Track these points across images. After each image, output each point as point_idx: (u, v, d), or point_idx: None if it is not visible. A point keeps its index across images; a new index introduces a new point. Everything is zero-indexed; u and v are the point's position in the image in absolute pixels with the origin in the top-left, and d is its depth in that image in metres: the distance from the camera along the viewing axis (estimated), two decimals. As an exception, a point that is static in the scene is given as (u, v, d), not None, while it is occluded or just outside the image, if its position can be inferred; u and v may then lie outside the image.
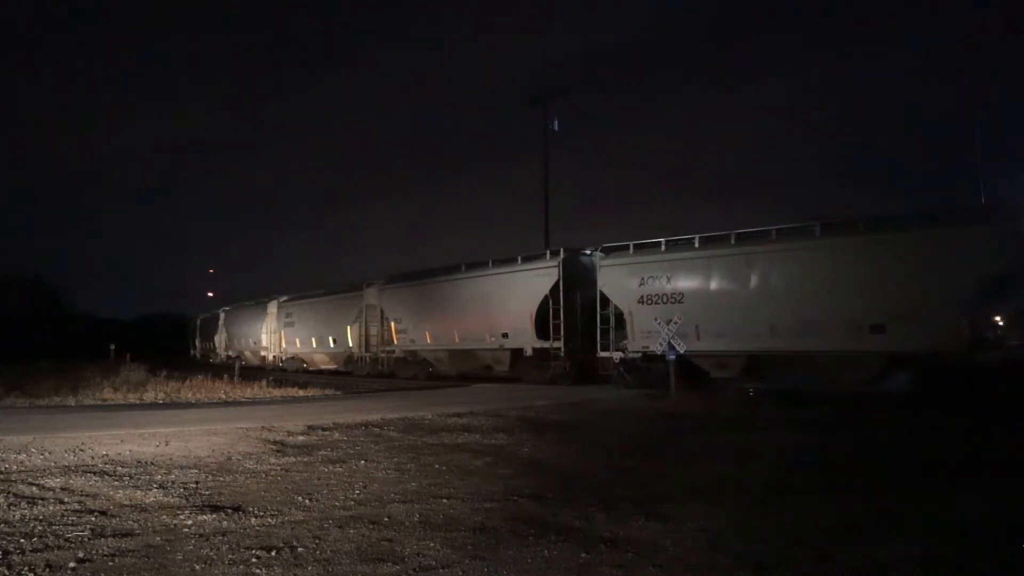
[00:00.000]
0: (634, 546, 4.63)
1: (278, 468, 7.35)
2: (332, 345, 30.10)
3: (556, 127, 34.06)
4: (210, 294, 63.03)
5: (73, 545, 4.64)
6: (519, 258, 21.14)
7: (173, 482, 6.61)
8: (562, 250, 19.67)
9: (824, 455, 8.15)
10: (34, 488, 6.30)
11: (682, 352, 14.28)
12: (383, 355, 26.54)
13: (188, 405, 14.92)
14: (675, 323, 14.29)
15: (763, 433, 9.68)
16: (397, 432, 10.08)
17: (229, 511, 5.50)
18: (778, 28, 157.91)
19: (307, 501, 5.88)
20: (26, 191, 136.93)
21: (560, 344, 19.05)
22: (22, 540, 4.73)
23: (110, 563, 4.30)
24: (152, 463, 7.57)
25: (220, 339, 43.09)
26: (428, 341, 24.04)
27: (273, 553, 4.47)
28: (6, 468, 7.16)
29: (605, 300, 18.02)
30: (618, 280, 17.70)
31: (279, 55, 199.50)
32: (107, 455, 7.99)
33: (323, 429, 10.26)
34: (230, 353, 40.65)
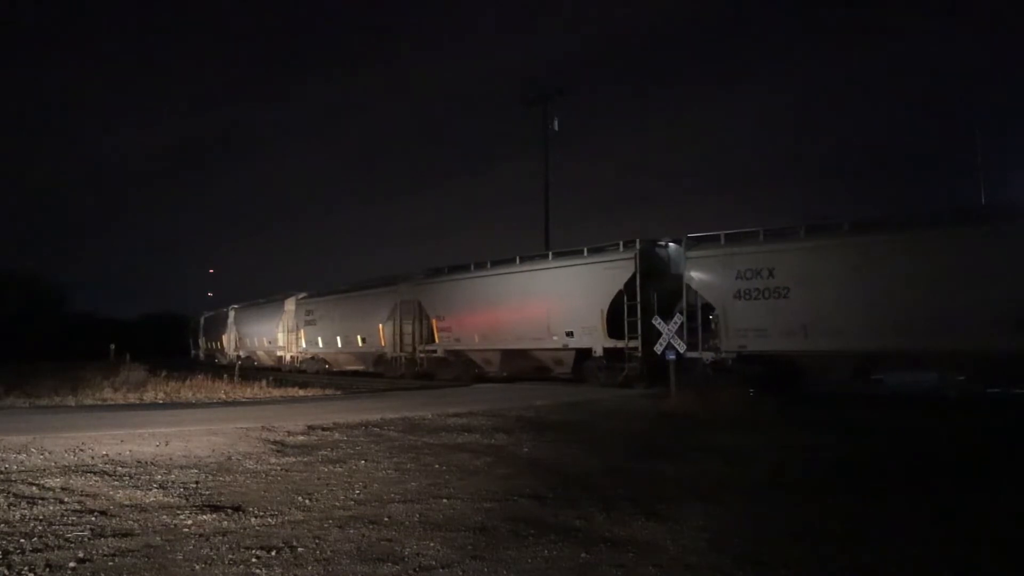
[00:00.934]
0: (634, 546, 4.64)
1: (278, 468, 7.35)
2: (360, 344, 27.75)
3: (556, 127, 34.06)
4: (210, 294, 63.06)
5: (73, 545, 4.64)
6: (585, 249, 19.35)
7: (173, 482, 6.61)
8: (637, 241, 17.94)
9: (825, 455, 8.15)
10: (34, 488, 6.30)
11: (682, 352, 14.23)
12: (422, 355, 24.45)
13: (188, 405, 14.91)
14: (675, 323, 14.26)
15: (764, 433, 9.67)
16: (397, 432, 10.08)
17: (229, 511, 5.50)
18: (779, 27, 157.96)
19: (307, 501, 5.88)
20: (26, 191, 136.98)
21: (637, 343, 17.24)
22: (22, 540, 4.73)
23: (110, 563, 4.30)
24: (152, 463, 7.57)
25: (229, 338, 40.86)
26: (476, 340, 22.08)
27: (273, 553, 4.47)
28: (6, 468, 7.16)
29: (692, 295, 16.40)
30: (709, 273, 16.13)
31: (280, 55, 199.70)
32: (107, 455, 7.99)
33: (323, 429, 10.26)
34: (240, 353, 38.71)
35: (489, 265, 22.22)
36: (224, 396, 16.83)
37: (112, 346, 34.48)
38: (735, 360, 15.65)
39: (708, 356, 16.14)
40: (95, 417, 11.92)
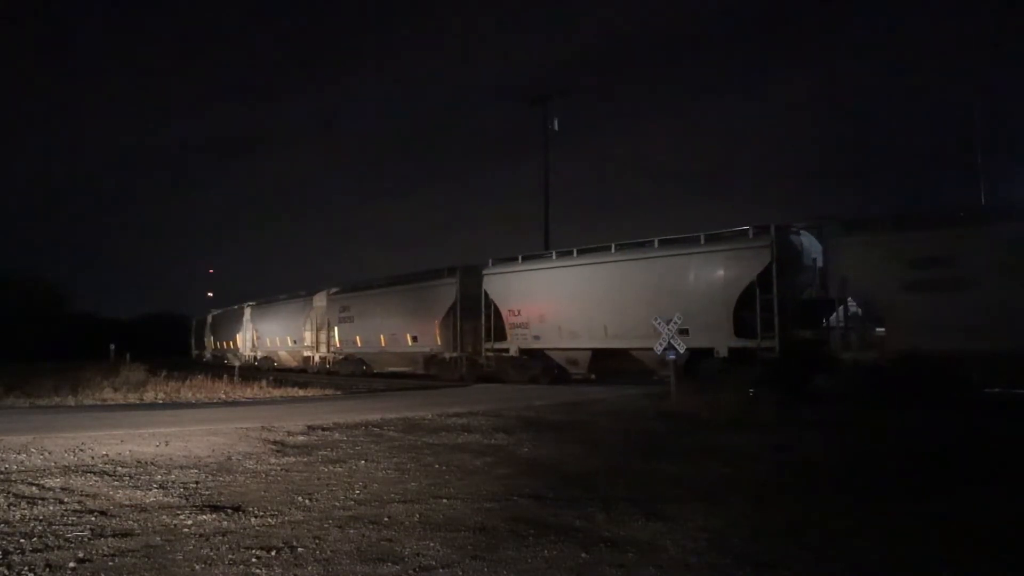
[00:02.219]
0: (634, 546, 4.63)
1: (278, 468, 7.35)
2: (410, 344, 24.94)
3: (556, 127, 34.01)
4: (210, 294, 62.93)
5: (73, 545, 4.64)
6: (702, 236, 16.99)
7: (173, 482, 6.61)
8: (772, 227, 15.74)
9: (824, 455, 8.15)
10: (34, 488, 6.30)
11: (682, 352, 14.19)
12: (489, 355, 21.76)
13: (188, 405, 14.92)
14: (675, 323, 14.23)
15: (763, 433, 9.67)
16: (397, 432, 10.08)
17: (229, 511, 5.50)
18: (779, 27, 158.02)
19: (307, 501, 5.88)
20: (26, 191, 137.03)
21: (773, 343, 15.03)
22: (22, 540, 4.72)
23: (110, 563, 4.30)
24: (152, 463, 7.57)
25: (245, 338, 37.18)
26: (560, 338, 19.57)
27: (273, 553, 4.47)
28: (6, 468, 7.16)
29: (841, 286, 14.52)
30: (869, 262, 14.08)
31: (280, 56, 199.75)
32: (107, 455, 7.99)
33: (323, 429, 10.26)
34: (258, 353, 36.37)
35: (576, 253, 19.79)
36: (224, 396, 16.85)
37: (112, 346, 34.55)
38: (899, 361, 13.58)
39: (868, 357, 14.05)
40: (95, 417, 11.93)
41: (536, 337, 20.23)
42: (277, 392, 17.60)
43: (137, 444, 8.75)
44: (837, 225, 15.11)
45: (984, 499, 5.95)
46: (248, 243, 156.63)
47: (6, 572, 4.15)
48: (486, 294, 21.76)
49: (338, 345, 29.53)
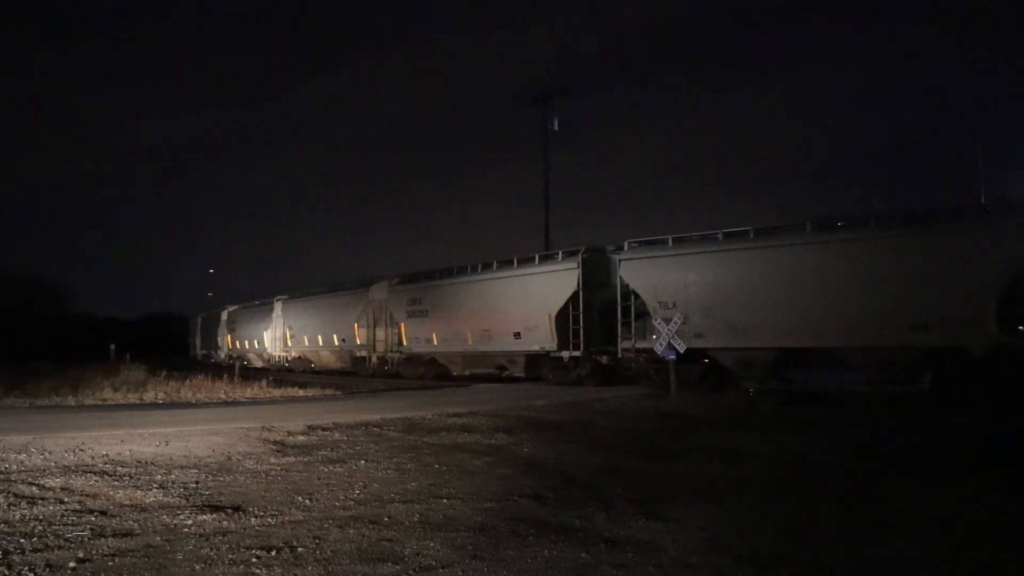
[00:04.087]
0: (634, 546, 4.64)
1: (278, 468, 7.35)
2: (511, 341, 21.00)
3: (556, 127, 34.02)
4: (210, 294, 62.92)
5: (73, 545, 4.64)
6: (940, 213, 14.14)
7: (173, 482, 6.61)
8: None
9: (824, 455, 8.15)
10: (34, 488, 6.30)
11: (682, 352, 14.19)
12: (628, 354, 18.10)
13: (188, 405, 14.91)
14: (675, 323, 14.23)
15: (763, 433, 9.67)
16: (397, 432, 10.08)
17: (229, 511, 5.50)
18: (779, 27, 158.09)
19: (307, 501, 5.88)
20: (26, 191, 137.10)
21: None
22: (22, 540, 4.73)
23: (110, 563, 4.30)
24: (152, 463, 7.57)
25: (274, 336, 33.64)
26: (734, 336, 16.05)
27: (273, 553, 4.47)
28: (6, 468, 7.16)
29: None
30: None
31: (280, 55, 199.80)
32: (107, 455, 7.99)
33: (323, 429, 10.26)
34: (291, 354, 32.94)
35: (752, 235, 16.35)
36: (224, 396, 16.84)
37: (112, 346, 34.48)
38: None
39: None
40: (95, 417, 11.91)
41: (698, 335, 16.36)
42: (277, 392, 17.60)
43: (137, 444, 8.74)
44: None
45: (978, 498, 5.95)
46: (248, 243, 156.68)
47: (6, 572, 4.15)
48: (623, 282, 18.13)
49: (405, 343, 25.46)
